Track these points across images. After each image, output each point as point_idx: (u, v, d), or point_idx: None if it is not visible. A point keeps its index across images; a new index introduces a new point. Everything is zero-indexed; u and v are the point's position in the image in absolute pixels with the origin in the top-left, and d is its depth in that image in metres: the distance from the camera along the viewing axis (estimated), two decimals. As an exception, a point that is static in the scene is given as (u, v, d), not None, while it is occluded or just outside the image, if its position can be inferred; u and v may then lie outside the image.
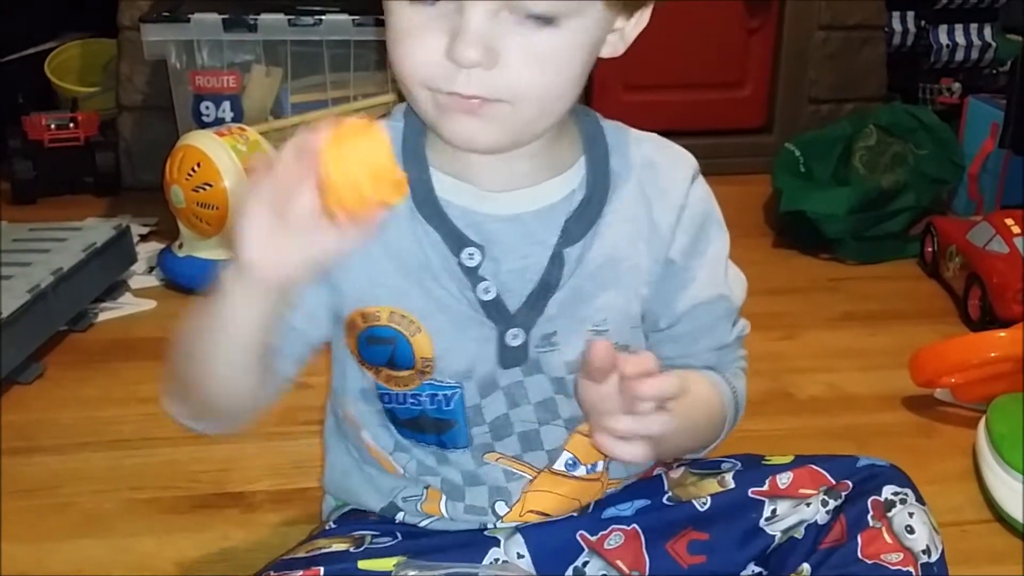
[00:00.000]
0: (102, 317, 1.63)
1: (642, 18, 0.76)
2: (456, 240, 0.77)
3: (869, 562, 0.80)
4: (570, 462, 0.85)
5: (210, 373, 0.75)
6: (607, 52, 0.76)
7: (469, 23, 0.67)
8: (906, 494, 0.84)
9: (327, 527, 0.89)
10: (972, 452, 1.24)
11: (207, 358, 0.74)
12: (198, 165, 1.64)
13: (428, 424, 0.82)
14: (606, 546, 0.86)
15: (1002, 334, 1.32)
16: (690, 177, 0.83)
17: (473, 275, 0.78)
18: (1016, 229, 1.63)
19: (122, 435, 1.30)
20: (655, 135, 0.85)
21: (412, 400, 0.82)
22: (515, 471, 0.84)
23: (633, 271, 0.81)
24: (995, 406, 1.25)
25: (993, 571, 1.06)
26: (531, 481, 0.85)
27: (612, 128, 0.83)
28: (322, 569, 0.78)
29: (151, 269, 1.80)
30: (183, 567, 1.06)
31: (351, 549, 0.82)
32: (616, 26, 0.75)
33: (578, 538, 0.86)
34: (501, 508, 0.85)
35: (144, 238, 1.92)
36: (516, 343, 0.79)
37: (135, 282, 1.75)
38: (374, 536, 0.84)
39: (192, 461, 1.24)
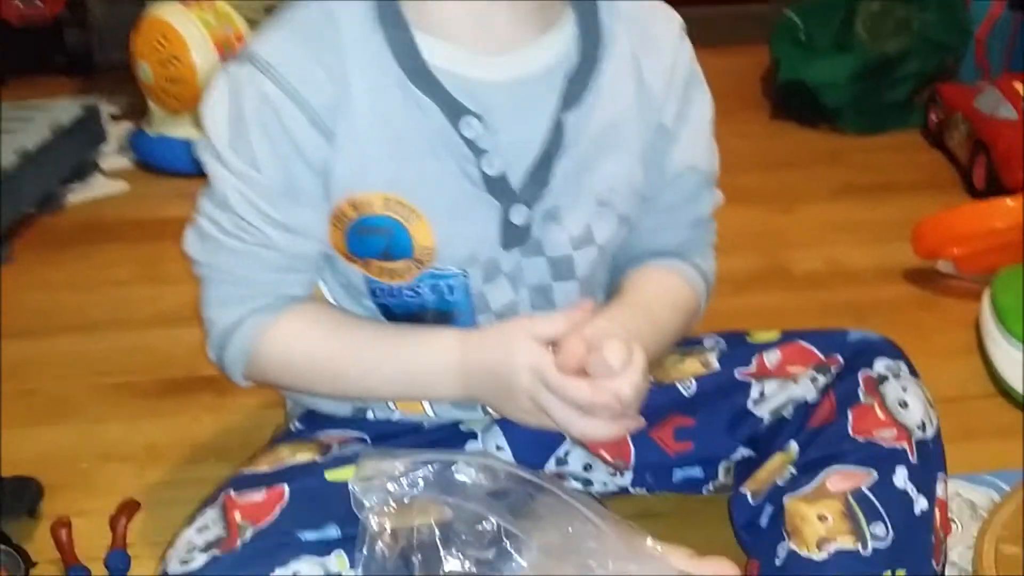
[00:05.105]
0: (72, 199, 1.59)
1: None
2: (453, 109, 0.72)
3: (860, 439, 0.75)
4: None
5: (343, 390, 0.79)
6: None
7: None
8: (899, 367, 0.79)
9: (292, 428, 0.84)
10: (975, 325, 1.21)
11: (354, 385, 0.78)
12: (164, 38, 1.59)
13: (429, 317, 0.78)
14: None
15: (1009, 202, 1.29)
16: (678, 33, 0.81)
17: (474, 147, 0.73)
18: (1026, 94, 1.58)
19: (91, 319, 1.27)
20: None
21: (410, 293, 0.77)
22: None
23: (633, 136, 0.78)
24: (1000, 278, 1.21)
25: (995, 445, 1.03)
26: None
27: None
28: (286, 486, 0.70)
29: (122, 150, 1.74)
30: (152, 452, 1.03)
31: (317, 459, 0.75)
32: None
33: None
34: None
35: (116, 119, 1.85)
36: (520, 220, 0.75)
37: (106, 163, 1.70)
38: (341, 442, 0.78)
39: (164, 345, 1.21)
